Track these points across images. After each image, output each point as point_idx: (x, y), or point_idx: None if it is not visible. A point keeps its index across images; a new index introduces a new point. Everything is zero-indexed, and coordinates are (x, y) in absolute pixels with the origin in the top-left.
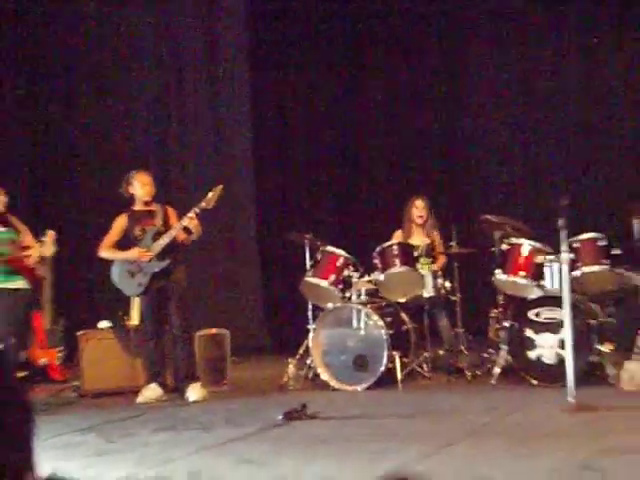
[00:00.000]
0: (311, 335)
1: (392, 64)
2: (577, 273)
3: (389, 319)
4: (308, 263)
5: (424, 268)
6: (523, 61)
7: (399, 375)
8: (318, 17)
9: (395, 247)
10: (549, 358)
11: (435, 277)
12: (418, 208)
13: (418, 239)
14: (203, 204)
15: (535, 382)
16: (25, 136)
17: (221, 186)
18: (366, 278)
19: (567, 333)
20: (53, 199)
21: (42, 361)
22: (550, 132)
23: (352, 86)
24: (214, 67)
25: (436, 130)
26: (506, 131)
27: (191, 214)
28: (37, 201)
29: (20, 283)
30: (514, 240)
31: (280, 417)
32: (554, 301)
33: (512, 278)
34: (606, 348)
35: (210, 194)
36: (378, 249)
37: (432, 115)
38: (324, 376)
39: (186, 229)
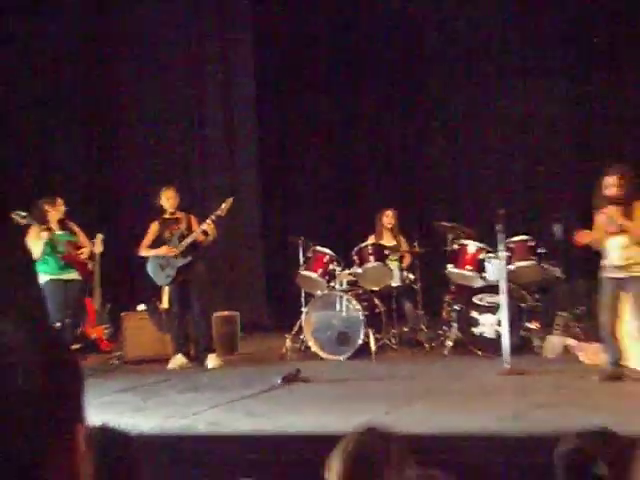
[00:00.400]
0: (304, 316)
1: (376, 107)
2: (511, 267)
3: (365, 303)
4: (302, 259)
5: (392, 263)
6: (474, 93)
7: (373, 348)
8: (313, 50)
9: (370, 247)
10: (490, 333)
11: (401, 270)
12: (388, 217)
13: (388, 241)
14: (218, 212)
15: (479, 352)
16: (82, 159)
17: (232, 198)
18: (347, 271)
19: (503, 314)
20: (102, 208)
21: (93, 336)
22: (492, 156)
23: (343, 124)
24: (228, 105)
25: (404, 155)
26: (458, 155)
27: (209, 221)
28: (90, 209)
29: (73, 275)
30: (463, 241)
31: (279, 380)
32: (493, 289)
33: (461, 271)
34: (533, 325)
35: (223, 205)
36: (356, 248)
37: (403, 144)
38: (314, 348)
39: (205, 232)
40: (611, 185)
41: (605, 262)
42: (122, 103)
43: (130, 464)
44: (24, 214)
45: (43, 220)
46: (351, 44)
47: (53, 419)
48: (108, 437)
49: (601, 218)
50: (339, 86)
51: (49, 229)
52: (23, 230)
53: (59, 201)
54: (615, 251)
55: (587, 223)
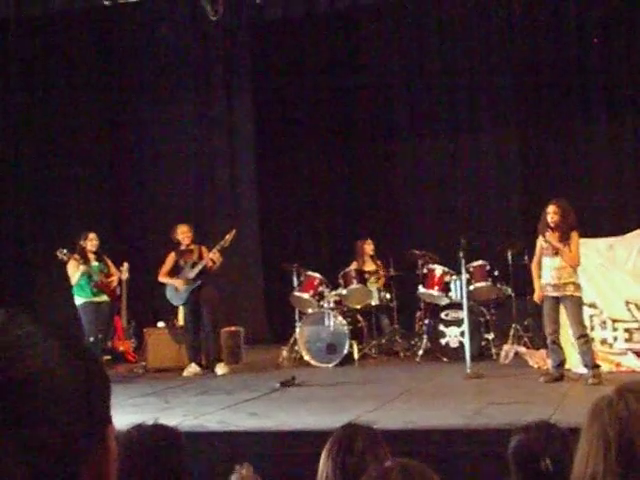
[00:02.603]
0: (297, 330)
1: (359, 163)
2: (471, 287)
3: (349, 319)
4: (295, 282)
5: (372, 285)
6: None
7: (356, 356)
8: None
9: (353, 271)
10: (454, 343)
11: (379, 291)
12: (370, 245)
13: (368, 266)
14: (222, 243)
15: (445, 359)
16: (113, 205)
17: (234, 230)
18: (334, 292)
19: (465, 327)
20: (128, 240)
21: (121, 349)
22: (455, 196)
23: (329, 176)
24: (232, 151)
25: (385, 196)
26: (427, 192)
27: (215, 250)
28: (119, 242)
29: (104, 298)
30: (431, 266)
31: (277, 385)
32: (457, 306)
33: (430, 291)
34: (490, 336)
35: (227, 236)
36: (341, 273)
37: (378, 184)
38: (306, 357)
39: (212, 260)
40: (552, 213)
41: (543, 281)
42: (145, 165)
43: (180, 456)
44: (65, 251)
45: (82, 253)
46: (332, 105)
47: (87, 421)
48: (160, 434)
49: (541, 241)
50: (329, 147)
51: (87, 261)
52: (65, 263)
53: (91, 235)
54: (550, 271)
55: (533, 249)
